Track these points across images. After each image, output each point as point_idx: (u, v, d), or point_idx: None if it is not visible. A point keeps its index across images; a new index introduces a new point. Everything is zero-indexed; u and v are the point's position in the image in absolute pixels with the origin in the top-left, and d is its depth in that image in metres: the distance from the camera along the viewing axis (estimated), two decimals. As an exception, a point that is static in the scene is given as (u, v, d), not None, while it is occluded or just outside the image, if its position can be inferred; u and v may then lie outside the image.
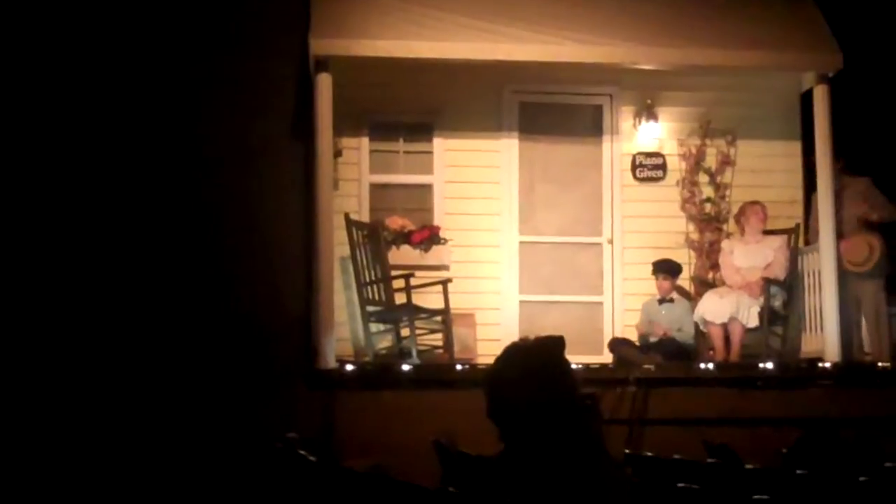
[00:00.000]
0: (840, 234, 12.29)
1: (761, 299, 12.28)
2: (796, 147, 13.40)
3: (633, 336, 12.79)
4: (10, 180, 11.79)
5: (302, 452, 7.28)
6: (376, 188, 13.14)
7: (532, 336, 4.24)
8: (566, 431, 3.98)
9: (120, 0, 12.19)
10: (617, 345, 12.60)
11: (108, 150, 12.01)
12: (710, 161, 13.46)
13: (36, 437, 10.62)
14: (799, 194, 13.33)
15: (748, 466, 6.93)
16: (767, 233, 12.80)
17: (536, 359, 4.08)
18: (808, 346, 12.58)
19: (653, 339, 12.50)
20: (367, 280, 12.41)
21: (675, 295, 12.72)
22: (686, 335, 12.51)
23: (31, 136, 11.87)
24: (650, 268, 12.85)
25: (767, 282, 12.32)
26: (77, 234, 11.81)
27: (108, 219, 11.91)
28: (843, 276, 12.20)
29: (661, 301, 12.67)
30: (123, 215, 11.95)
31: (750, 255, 12.61)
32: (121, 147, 12.04)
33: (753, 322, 12.26)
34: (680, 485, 5.86)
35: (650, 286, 12.88)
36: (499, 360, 4.15)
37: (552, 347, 4.11)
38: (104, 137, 12.03)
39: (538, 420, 3.98)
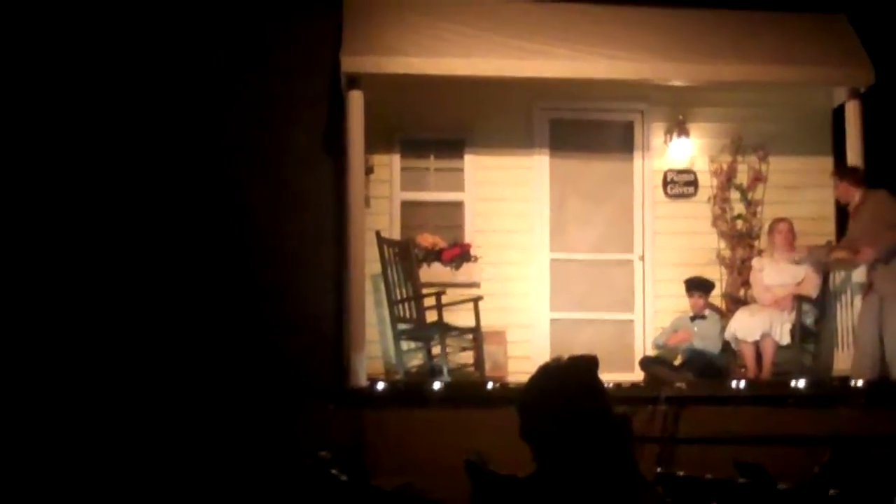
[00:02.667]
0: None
1: (793, 316, 12.22)
2: (828, 163, 13.33)
3: (653, 351, 12.78)
4: (47, 205, 11.88)
5: (333, 471, 7.27)
6: (407, 205, 13.15)
7: (565, 355, 4.22)
8: (599, 452, 3.97)
9: (151, 18, 12.25)
10: (648, 363, 12.58)
11: (140, 167, 12.08)
12: (742, 177, 13.43)
13: (64, 457, 10.66)
14: (831, 210, 13.26)
15: (780, 485, 6.89)
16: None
17: (570, 379, 4.07)
18: (840, 364, 12.49)
19: (677, 348, 12.48)
20: (399, 298, 12.42)
21: (707, 311, 12.69)
22: (712, 347, 12.46)
23: (65, 154, 11.95)
24: (682, 285, 12.82)
25: (799, 299, 12.25)
26: (110, 252, 11.87)
27: (140, 236, 11.96)
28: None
29: (694, 318, 12.64)
30: (154, 233, 12.00)
31: (780, 273, 12.53)
32: (152, 164, 12.11)
33: (786, 339, 12.20)
34: (712, 504, 5.84)
35: (681, 303, 12.86)
36: (532, 380, 4.14)
37: (585, 367, 4.10)
38: (135, 153, 12.10)
39: (572, 440, 3.97)
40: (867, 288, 11.97)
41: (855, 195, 12.04)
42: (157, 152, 12.16)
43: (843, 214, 12.70)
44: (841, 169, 12.36)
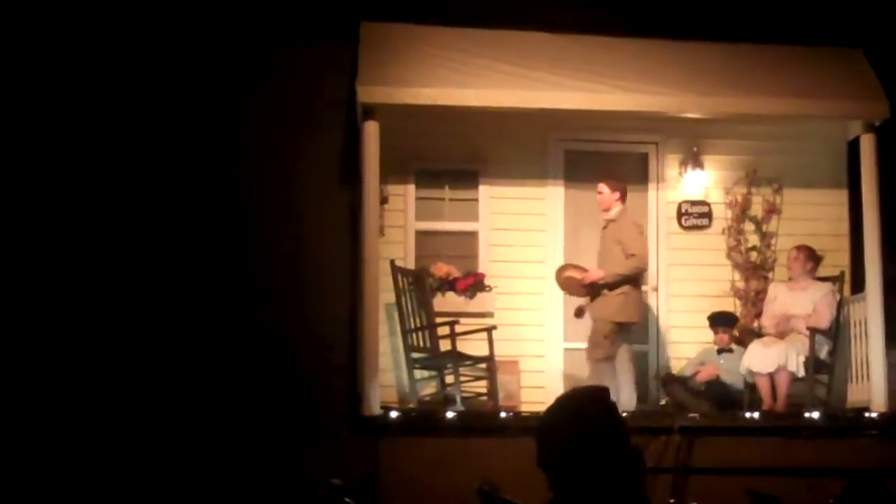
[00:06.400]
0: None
1: (807, 348, 12.19)
2: (843, 195, 13.35)
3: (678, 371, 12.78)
4: (59, 223, 11.93)
5: (346, 499, 7.29)
6: (422, 235, 13.17)
7: (580, 385, 4.25)
8: (615, 483, 3.99)
9: (167, 46, 12.31)
10: (669, 381, 12.54)
11: (155, 191, 12.12)
12: (756, 209, 13.43)
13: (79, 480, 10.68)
14: (845, 244, 13.26)
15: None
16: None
17: (592, 408, 4.10)
18: (854, 396, 12.48)
19: (699, 381, 12.45)
20: (412, 327, 12.43)
21: (733, 345, 12.66)
22: (738, 382, 12.41)
23: (84, 183, 12.02)
24: (696, 316, 12.83)
25: (812, 331, 12.23)
26: (122, 276, 11.91)
27: (154, 261, 11.99)
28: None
29: (721, 351, 12.60)
30: (169, 259, 12.04)
31: (792, 302, 12.52)
32: (167, 188, 12.15)
33: (801, 372, 12.13)
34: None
35: (696, 334, 12.86)
36: (552, 408, 4.17)
37: (605, 397, 4.14)
38: (151, 177, 12.14)
39: (589, 470, 3.99)
40: None
41: (612, 206, 12.19)
42: (173, 176, 12.19)
43: (857, 244, 12.69)
44: (610, 176, 12.41)
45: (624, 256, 11.93)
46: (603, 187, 12.26)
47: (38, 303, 11.67)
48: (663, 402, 12.51)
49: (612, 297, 11.94)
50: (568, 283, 12.35)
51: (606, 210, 12.26)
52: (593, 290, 12.08)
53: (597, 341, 11.98)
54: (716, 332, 12.70)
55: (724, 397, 12.34)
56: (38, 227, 11.83)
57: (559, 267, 12.51)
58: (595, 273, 12.07)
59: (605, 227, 12.31)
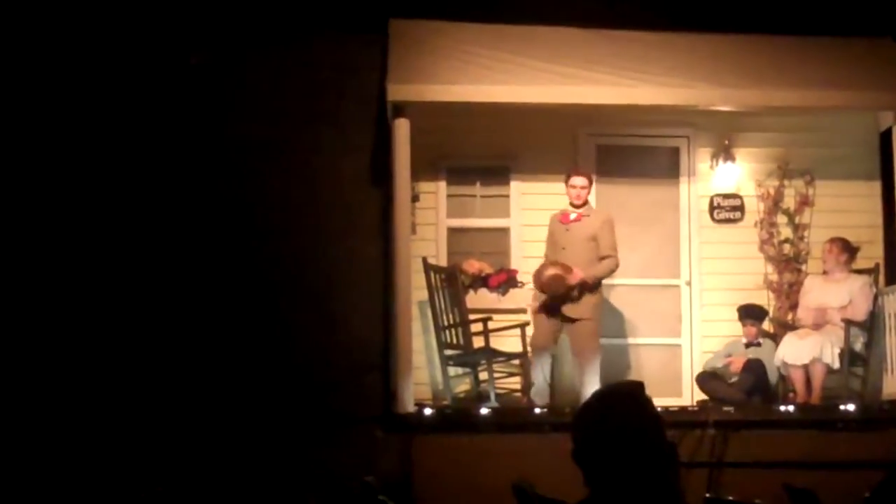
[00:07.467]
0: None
1: (842, 340, 12.14)
2: (876, 187, 13.29)
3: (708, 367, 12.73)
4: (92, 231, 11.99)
5: (380, 497, 7.31)
6: (454, 232, 13.17)
7: (612, 380, 4.26)
8: (651, 478, 3.99)
9: (194, 44, 12.36)
10: (705, 379, 12.48)
11: (186, 188, 12.19)
12: (789, 202, 13.39)
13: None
14: (878, 235, 13.21)
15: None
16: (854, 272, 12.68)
17: (628, 403, 4.10)
18: (889, 388, 12.42)
19: (733, 372, 12.41)
20: (445, 324, 12.44)
21: (761, 339, 12.61)
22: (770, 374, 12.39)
23: (116, 175, 12.10)
24: (729, 310, 12.79)
25: (848, 323, 12.19)
26: (156, 272, 11.97)
27: (185, 258, 12.06)
28: None
29: (749, 345, 12.56)
30: (199, 256, 12.09)
31: (826, 294, 12.48)
32: (197, 186, 12.21)
33: (836, 363, 12.10)
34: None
35: (729, 328, 12.82)
36: (588, 403, 4.17)
37: (640, 392, 4.14)
38: (181, 173, 12.21)
39: (626, 465, 3.99)
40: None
41: (587, 199, 12.07)
42: (202, 174, 12.25)
43: (891, 236, 12.65)
44: (583, 168, 12.39)
45: (597, 254, 11.82)
46: (583, 180, 12.03)
47: (89, 309, 11.80)
48: (698, 403, 12.46)
49: (587, 296, 11.82)
50: (554, 280, 11.76)
51: (584, 204, 12.08)
52: (578, 290, 11.85)
53: (590, 342, 11.81)
54: (744, 325, 12.66)
55: (757, 381, 12.24)
56: (67, 232, 11.94)
57: (539, 266, 12.02)
58: (578, 276, 11.72)
59: (576, 220, 12.07)
